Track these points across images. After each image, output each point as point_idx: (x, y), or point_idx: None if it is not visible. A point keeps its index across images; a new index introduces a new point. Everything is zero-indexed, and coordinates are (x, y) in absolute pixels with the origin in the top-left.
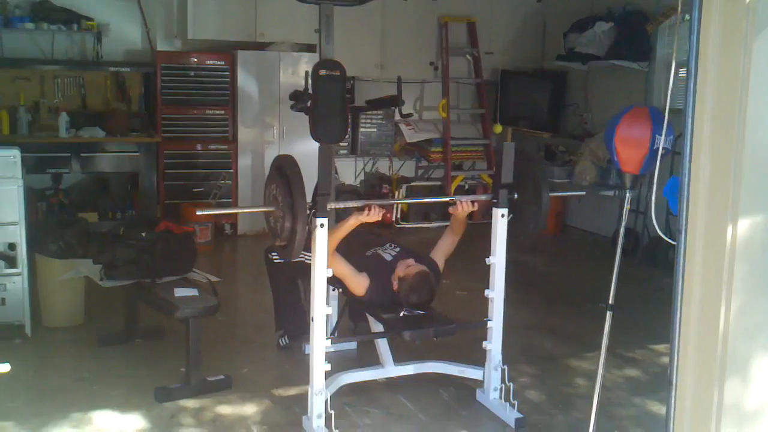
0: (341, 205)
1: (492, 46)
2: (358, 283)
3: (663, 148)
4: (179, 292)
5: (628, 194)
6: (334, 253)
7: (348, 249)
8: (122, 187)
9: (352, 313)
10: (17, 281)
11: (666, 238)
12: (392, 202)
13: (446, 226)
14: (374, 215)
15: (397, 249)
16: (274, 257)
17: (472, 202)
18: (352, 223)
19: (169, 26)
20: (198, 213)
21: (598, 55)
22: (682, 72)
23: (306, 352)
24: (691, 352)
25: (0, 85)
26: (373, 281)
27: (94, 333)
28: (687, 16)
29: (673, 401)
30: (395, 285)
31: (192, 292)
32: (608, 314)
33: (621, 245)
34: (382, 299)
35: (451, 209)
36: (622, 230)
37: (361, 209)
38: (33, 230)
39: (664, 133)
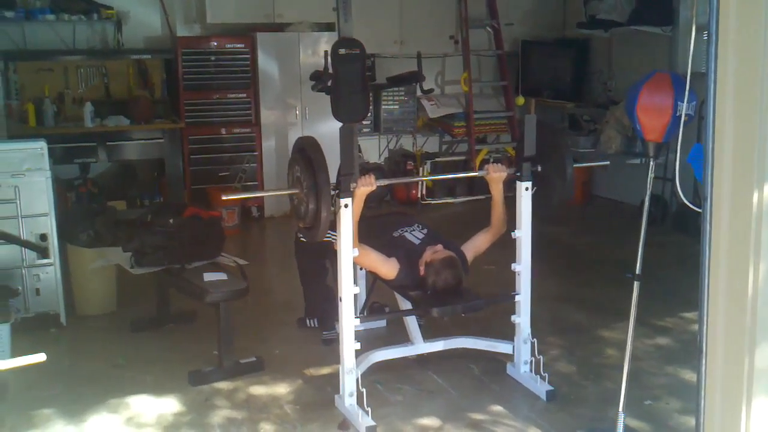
0: (386, 182)
1: (511, 17)
2: (389, 270)
3: (686, 115)
4: (208, 276)
5: (652, 163)
6: (361, 245)
7: (373, 230)
8: (149, 174)
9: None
10: (50, 271)
11: (692, 206)
12: (418, 179)
13: (472, 200)
14: (367, 183)
15: (425, 231)
16: (301, 238)
17: (505, 165)
18: (358, 198)
19: (187, 11)
20: (223, 198)
21: (620, 21)
22: (706, 36)
23: (324, 338)
24: (720, 319)
25: (25, 78)
26: (403, 265)
27: (127, 320)
28: None
29: (703, 369)
30: (422, 270)
31: (221, 276)
32: (636, 284)
33: (647, 215)
34: (410, 282)
35: (485, 176)
36: (647, 200)
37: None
38: (63, 220)
39: (686, 99)
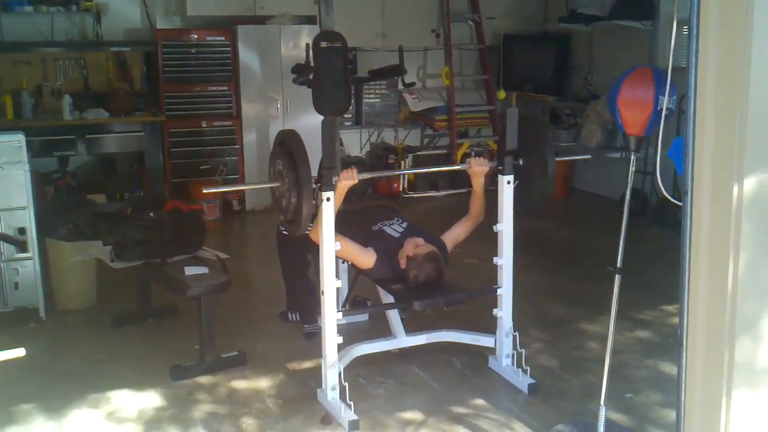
0: (367, 175)
1: (493, 11)
2: (365, 259)
3: (666, 109)
4: (190, 270)
5: (633, 156)
6: (337, 234)
7: (352, 224)
8: (129, 168)
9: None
10: (29, 265)
11: (672, 200)
12: (400, 172)
13: (453, 194)
14: (349, 177)
15: (405, 224)
16: (283, 231)
17: (486, 159)
18: (339, 191)
19: (167, 3)
20: (204, 191)
21: (601, 15)
22: (686, 30)
23: (305, 331)
24: (700, 313)
25: (2, 70)
26: (380, 255)
27: (107, 314)
28: None
29: (684, 362)
30: (403, 263)
31: (202, 270)
32: (617, 277)
33: (627, 208)
34: (389, 275)
35: (467, 169)
36: (628, 193)
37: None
38: (42, 214)
39: (667, 93)
